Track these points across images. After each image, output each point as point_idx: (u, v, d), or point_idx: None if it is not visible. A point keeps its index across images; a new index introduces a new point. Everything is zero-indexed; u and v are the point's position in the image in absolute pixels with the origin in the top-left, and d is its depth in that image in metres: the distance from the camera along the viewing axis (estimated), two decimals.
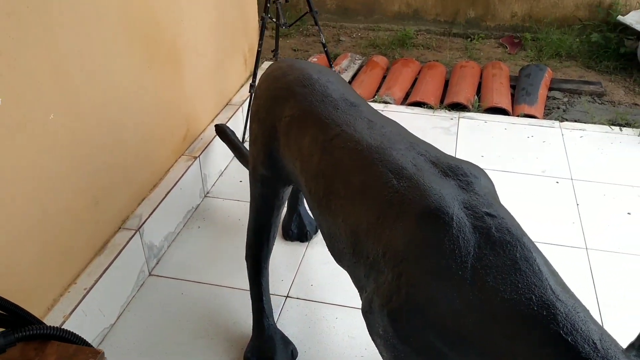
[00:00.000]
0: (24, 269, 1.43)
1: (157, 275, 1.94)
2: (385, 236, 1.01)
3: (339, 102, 1.28)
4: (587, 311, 0.83)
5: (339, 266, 1.89)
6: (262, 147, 1.45)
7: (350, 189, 1.11)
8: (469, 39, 3.89)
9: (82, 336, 1.10)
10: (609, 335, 0.80)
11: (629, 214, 2.25)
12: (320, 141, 1.22)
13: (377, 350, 1.44)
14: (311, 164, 1.23)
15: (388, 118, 1.27)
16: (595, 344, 0.78)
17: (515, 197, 2.34)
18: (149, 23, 1.86)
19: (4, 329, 1.04)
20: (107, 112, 1.69)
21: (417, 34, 3.98)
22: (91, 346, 1.09)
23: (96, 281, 1.66)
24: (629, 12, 3.47)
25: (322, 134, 1.22)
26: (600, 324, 1.66)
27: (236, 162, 2.54)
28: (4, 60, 1.28)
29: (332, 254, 1.24)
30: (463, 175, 1.02)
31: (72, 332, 1.12)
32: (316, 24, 2.39)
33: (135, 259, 1.85)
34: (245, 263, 1.70)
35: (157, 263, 1.98)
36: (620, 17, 3.38)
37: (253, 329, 1.65)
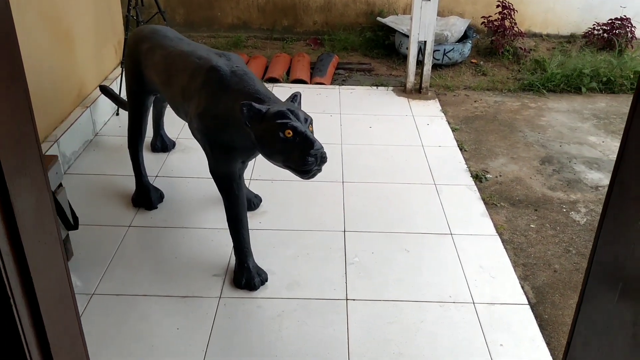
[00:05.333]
0: None
1: (70, 174, 3.00)
2: (193, 83, 2.23)
3: (172, 38, 2.50)
4: (271, 93, 2.11)
5: (183, 156, 3.09)
6: (132, 71, 2.62)
7: (178, 70, 2.32)
8: (285, 41, 5.29)
9: None
10: (278, 99, 2.08)
11: (370, 127, 3.67)
12: (163, 55, 2.43)
13: (217, 199, 2.63)
14: (159, 67, 2.43)
15: (198, 43, 2.51)
16: (270, 97, 2.06)
17: None
18: (54, 17, 2.97)
19: None
20: (37, 65, 2.77)
21: (247, 39, 5.31)
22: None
23: None
24: (389, 16, 5.05)
25: (164, 52, 2.43)
26: (342, 194, 2.88)
27: (115, 118, 3.64)
28: None
29: (175, 112, 2.44)
30: (227, 56, 2.28)
31: None
32: (164, 19, 3.60)
33: None
34: (128, 150, 2.82)
35: (68, 167, 3.04)
36: (378, 18, 4.95)
37: (136, 185, 2.78)
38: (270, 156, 2.01)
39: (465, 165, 3.23)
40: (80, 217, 2.52)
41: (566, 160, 3.35)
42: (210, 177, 2.27)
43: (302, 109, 2.09)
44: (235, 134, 2.12)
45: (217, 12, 5.29)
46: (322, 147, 1.93)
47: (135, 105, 2.71)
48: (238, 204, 2.26)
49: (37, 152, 0.91)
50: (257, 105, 1.97)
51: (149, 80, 2.57)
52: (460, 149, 3.41)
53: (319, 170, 1.97)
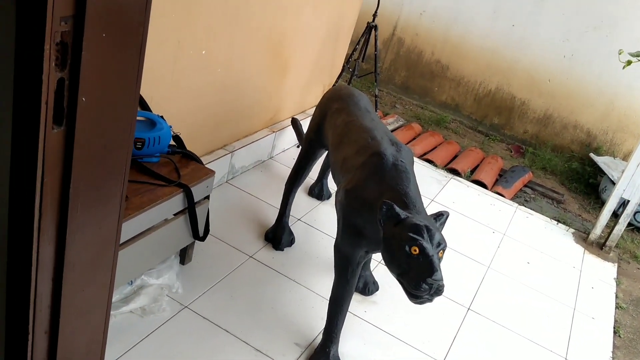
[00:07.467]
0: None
1: (230, 184, 3.21)
2: (356, 160, 2.24)
3: (361, 108, 2.55)
4: (419, 200, 2.04)
5: (331, 211, 3.12)
6: (316, 122, 2.72)
7: (350, 140, 2.36)
8: (487, 137, 5.12)
9: None
10: (425, 212, 2.00)
11: (528, 263, 3.38)
12: (345, 121, 2.48)
13: None
14: (338, 130, 2.49)
15: (380, 120, 2.52)
16: (415, 205, 1.98)
17: (463, 231, 3.50)
18: (280, 46, 3.21)
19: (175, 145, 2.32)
20: (247, 80, 3.01)
21: (452, 121, 5.25)
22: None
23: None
24: (605, 156, 4.63)
25: (347, 118, 2.48)
26: (461, 321, 2.69)
27: (295, 149, 3.81)
28: (213, 43, 2.62)
29: (333, 178, 2.47)
30: (398, 147, 2.25)
31: (203, 163, 2.39)
32: (375, 80, 3.70)
33: (223, 168, 3.12)
34: (284, 186, 2.93)
35: (232, 177, 3.25)
36: (592, 155, 4.56)
37: (275, 220, 2.87)
38: (388, 263, 1.93)
39: (611, 354, 2.81)
40: (214, 228, 2.67)
41: None
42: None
43: (442, 231, 1.98)
44: (369, 223, 2.08)
45: (435, 87, 5.31)
46: (442, 280, 1.80)
47: (307, 150, 2.81)
48: (346, 289, 2.21)
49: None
50: (397, 209, 1.91)
51: (325, 136, 2.65)
52: (615, 333, 2.98)
53: (430, 300, 1.85)
